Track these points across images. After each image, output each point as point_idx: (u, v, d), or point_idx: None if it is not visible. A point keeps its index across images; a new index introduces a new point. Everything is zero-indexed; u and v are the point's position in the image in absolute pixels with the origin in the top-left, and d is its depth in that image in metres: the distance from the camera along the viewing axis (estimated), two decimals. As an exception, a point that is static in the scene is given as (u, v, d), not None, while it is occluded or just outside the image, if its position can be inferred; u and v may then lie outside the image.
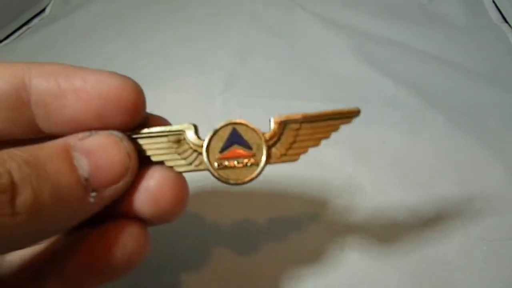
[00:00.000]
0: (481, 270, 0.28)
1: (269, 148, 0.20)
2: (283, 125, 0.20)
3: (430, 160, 0.35)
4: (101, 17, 0.59)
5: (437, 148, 0.36)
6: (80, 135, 0.17)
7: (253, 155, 0.19)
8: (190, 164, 0.19)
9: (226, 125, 0.19)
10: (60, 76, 0.18)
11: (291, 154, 0.20)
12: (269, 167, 0.20)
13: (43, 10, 0.64)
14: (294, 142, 0.20)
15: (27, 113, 0.18)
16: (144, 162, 0.19)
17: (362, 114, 0.42)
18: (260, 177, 0.20)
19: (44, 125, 0.19)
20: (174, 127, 0.19)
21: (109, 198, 0.17)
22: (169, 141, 0.19)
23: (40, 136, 0.19)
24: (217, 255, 0.29)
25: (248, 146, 0.19)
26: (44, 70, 0.18)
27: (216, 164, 0.19)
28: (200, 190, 0.30)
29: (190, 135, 0.19)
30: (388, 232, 0.30)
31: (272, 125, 0.20)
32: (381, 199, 0.32)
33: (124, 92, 0.18)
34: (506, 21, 0.51)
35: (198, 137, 0.19)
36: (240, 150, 0.19)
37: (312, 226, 0.31)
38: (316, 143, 0.20)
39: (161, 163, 0.19)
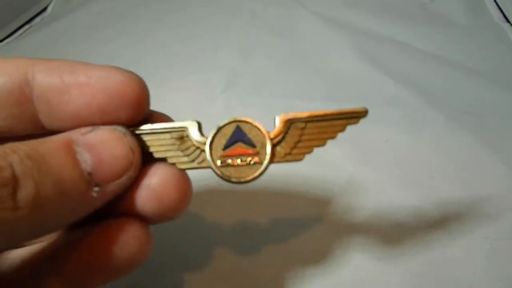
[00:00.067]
0: (485, 270, 0.27)
1: (273, 147, 0.19)
2: (288, 123, 0.19)
3: (431, 159, 0.35)
4: (102, 16, 0.59)
5: (438, 148, 0.36)
6: (83, 129, 0.17)
7: (257, 154, 0.19)
8: (193, 161, 0.19)
9: (230, 122, 0.19)
10: (64, 71, 0.18)
11: (296, 153, 0.19)
12: (272, 166, 0.19)
13: (45, 9, 0.64)
14: (299, 141, 0.19)
15: (29, 109, 0.18)
16: (146, 158, 0.19)
17: (363, 113, 0.42)
18: (263, 176, 0.19)
19: (46, 121, 0.18)
20: (177, 124, 0.19)
21: (112, 193, 0.17)
22: (172, 138, 0.19)
23: (42, 132, 0.19)
24: (218, 254, 0.29)
25: (252, 144, 0.19)
26: (48, 66, 0.18)
27: (219, 161, 0.19)
28: (202, 189, 0.30)
29: (193, 132, 0.19)
30: (391, 232, 0.30)
31: (278, 124, 0.19)
32: (383, 198, 0.32)
33: (129, 87, 0.18)
34: (508, 21, 0.51)
35: (202, 134, 0.19)
36: (244, 148, 0.19)
37: (315, 226, 0.31)
38: (321, 143, 0.20)
39: (163, 159, 0.19)
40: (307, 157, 0.20)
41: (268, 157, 0.19)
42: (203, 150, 0.19)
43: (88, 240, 0.18)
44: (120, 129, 0.18)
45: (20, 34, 0.59)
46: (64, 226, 0.19)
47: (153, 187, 0.18)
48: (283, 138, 0.19)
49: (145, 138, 0.19)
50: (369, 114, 0.42)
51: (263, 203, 0.32)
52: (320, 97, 0.42)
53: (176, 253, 0.29)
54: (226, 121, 0.19)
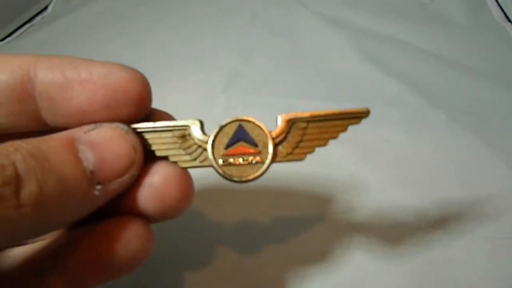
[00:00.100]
0: (485, 270, 0.27)
1: (275, 146, 0.19)
2: (290, 123, 0.19)
3: (432, 159, 0.35)
4: (102, 16, 0.59)
5: (439, 148, 0.36)
6: (86, 127, 0.17)
7: (259, 153, 0.19)
8: (195, 159, 0.19)
9: (233, 121, 0.19)
10: (67, 67, 0.18)
11: (298, 153, 0.19)
12: (273, 165, 0.19)
13: (45, 8, 0.64)
14: (301, 141, 0.19)
15: (32, 106, 0.18)
16: (148, 157, 0.19)
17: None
18: (264, 175, 0.19)
19: (49, 118, 0.18)
20: (179, 122, 0.19)
21: (114, 192, 0.17)
22: (174, 136, 0.19)
23: (45, 129, 0.19)
24: (220, 253, 0.29)
25: (254, 144, 0.19)
26: (50, 62, 0.18)
27: (220, 160, 0.19)
28: (204, 187, 0.30)
29: (195, 130, 0.19)
30: (391, 231, 0.30)
31: (280, 123, 0.19)
32: (384, 198, 0.32)
33: (131, 83, 0.18)
34: (509, 20, 0.51)
35: (204, 133, 0.19)
36: (246, 147, 0.19)
37: (316, 225, 0.31)
38: (323, 143, 0.20)
39: (165, 158, 0.19)
40: (309, 157, 0.20)
41: (270, 156, 0.19)
42: (205, 149, 0.19)
43: (90, 238, 0.18)
44: (122, 126, 0.18)
45: (21, 33, 0.59)
46: (66, 224, 0.19)
47: (155, 185, 0.18)
48: (285, 137, 0.19)
49: (147, 136, 0.19)
50: (371, 113, 0.42)
51: (265, 202, 0.32)
52: (321, 97, 0.42)
53: (177, 252, 0.29)
54: (228, 120, 0.19)
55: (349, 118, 0.19)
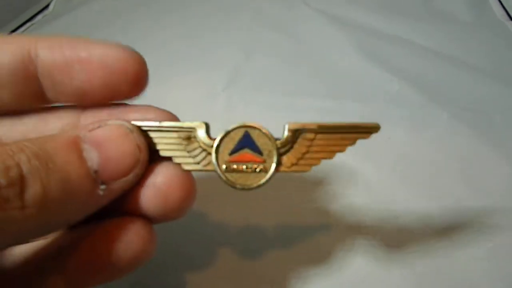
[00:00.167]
0: (486, 269, 0.27)
1: (280, 156, 0.19)
2: (297, 133, 0.19)
3: (434, 157, 0.35)
4: (103, 15, 0.59)
5: (441, 145, 0.36)
6: (90, 126, 0.17)
7: (263, 162, 0.19)
8: (198, 163, 0.19)
9: (239, 127, 0.19)
10: (66, 47, 0.18)
11: (303, 164, 0.19)
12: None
13: (47, 7, 0.64)
14: (307, 152, 0.19)
15: (35, 85, 0.18)
16: (153, 156, 0.19)
17: (366, 110, 0.42)
18: (267, 184, 0.19)
19: (52, 96, 0.19)
20: (185, 124, 0.19)
21: (118, 191, 0.17)
22: (179, 137, 0.19)
23: (48, 105, 0.19)
24: (222, 254, 0.29)
25: (259, 152, 0.19)
26: (50, 42, 0.18)
27: (224, 166, 0.19)
28: (207, 188, 0.30)
29: (201, 133, 0.19)
30: (392, 231, 0.30)
31: (286, 132, 0.19)
32: (386, 198, 0.32)
33: (128, 64, 0.18)
34: (511, 18, 0.51)
35: (209, 137, 0.19)
36: (251, 155, 0.19)
37: (318, 227, 0.31)
38: (329, 155, 0.19)
39: (169, 159, 0.19)
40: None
41: (274, 166, 0.19)
42: (209, 153, 0.19)
43: (91, 238, 0.18)
44: (127, 125, 0.18)
45: (22, 32, 0.60)
46: (71, 224, 0.19)
47: (158, 186, 0.18)
48: (291, 147, 0.19)
49: (152, 135, 0.19)
50: (373, 110, 0.42)
51: (267, 203, 0.32)
52: (323, 95, 0.42)
53: (179, 253, 0.29)
54: (234, 126, 0.19)
55: (358, 132, 0.19)
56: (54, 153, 0.15)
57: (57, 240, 0.19)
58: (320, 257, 0.29)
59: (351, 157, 0.35)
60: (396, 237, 0.29)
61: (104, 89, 0.18)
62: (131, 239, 0.18)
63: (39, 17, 0.62)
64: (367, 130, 0.19)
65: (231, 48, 0.49)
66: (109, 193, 0.17)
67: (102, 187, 0.16)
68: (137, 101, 0.20)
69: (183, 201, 0.18)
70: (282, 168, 0.19)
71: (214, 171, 0.19)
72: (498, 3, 0.53)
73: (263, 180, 0.19)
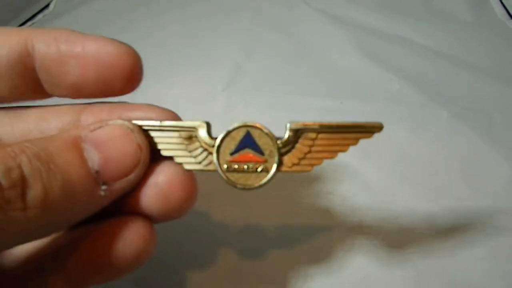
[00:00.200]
0: (487, 270, 0.27)
1: (281, 156, 0.19)
2: (299, 133, 0.19)
3: (434, 156, 0.35)
4: (103, 14, 0.59)
5: (441, 144, 0.36)
6: (92, 126, 0.17)
7: (265, 161, 0.19)
8: (200, 163, 0.19)
9: (240, 127, 0.19)
10: (61, 41, 0.18)
11: (304, 164, 0.19)
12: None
13: (47, 6, 0.64)
14: (309, 152, 0.19)
15: (32, 78, 0.18)
16: (154, 156, 0.19)
17: (366, 110, 0.42)
18: (268, 184, 0.19)
19: (49, 89, 0.19)
20: (186, 123, 0.19)
21: (119, 191, 0.17)
22: (180, 137, 0.19)
23: (47, 98, 0.19)
24: (223, 253, 0.29)
25: (260, 152, 0.19)
26: (47, 36, 0.18)
27: (225, 166, 0.19)
28: (209, 188, 0.30)
29: (202, 133, 0.19)
30: (393, 230, 0.30)
31: (287, 132, 0.19)
32: (386, 198, 0.32)
33: (122, 59, 0.18)
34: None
35: (210, 136, 0.19)
36: (252, 155, 0.19)
37: (319, 226, 0.31)
38: (331, 155, 0.19)
39: (170, 158, 0.19)
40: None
41: (275, 166, 0.19)
42: (211, 153, 0.19)
43: (92, 238, 0.18)
44: (128, 124, 0.18)
45: (22, 31, 0.59)
46: (73, 224, 0.19)
47: (160, 185, 0.18)
48: (293, 147, 0.19)
49: (153, 134, 0.19)
50: (373, 109, 0.42)
51: (268, 202, 0.32)
52: (322, 94, 0.42)
53: (181, 252, 0.29)
54: (235, 125, 0.19)
55: (361, 132, 0.19)
56: (55, 154, 0.15)
57: (57, 239, 0.19)
58: (321, 256, 0.29)
59: (351, 157, 0.35)
60: (396, 237, 0.29)
61: (98, 84, 0.18)
62: (131, 238, 0.18)
63: (40, 16, 0.62)
64: (370, 129, 0.19)
65: (231, 48, 0.49)
66: (110, 193, 0.17)
67: (103, 187, 0.16)
68: (138, 100, 0.20)
69: (184, 201, 0.18)
70: (283, 168, 0.19)
71: (215, 171, 0.19)
72: (498, 2, 0.53)
73: (264, 180, 0.19)
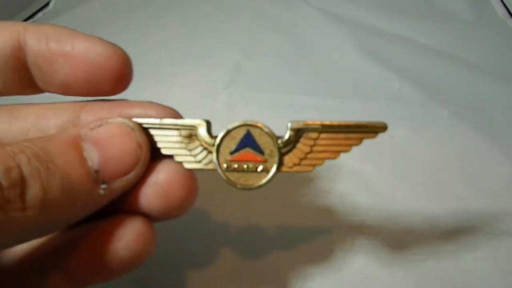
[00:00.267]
0: (487, 270, 0.27)
1: (281, 156, 0.18)
2: (299, 132, 0.18)
3: (435, 155, 0.35)
4: (104, 12, 0.59)
5: (442, 144, 0.36)
6: (92, 124, 0.17)
7: (265, 161, 0.18)
8: (199, 162, 0.19)
9: (241, 125, 0.18)
10: (51, 39, 0.18)
11: (305, 164, 0.19)
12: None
13: (47, 5, 0.64)
14: (310, 152, 0.18)
15: (26, 73, 0.19)
16: (154, 154, 0.18)
17: (366, 109, 0.42)
18: (269, 184, 0.19)
19: (41, 85, 0.19)
20: (186, 121, 0.19)
21: (119, 190, 0.17)
22: (180, 135, 0.19)
23: (40, 93, 0.19)
24: (223, 252, 0.29)
25: (260, 151, 0.18)
26: (38, 32, 0.18)
27: (225, 165, 0.19)
28: (209, 187, 0.30)
29: (202, 131, 0.18)
30: (393, 231, 0.30)
31: (288, 132, 0.18)
32: (386, 197, 0.32)
33: (110, 60, 0.18)
34: (512, 16, 0.51)
35: (210, 135, 0.19)
36: (252, 155, 0.18)
37: (320, 226, 0.31)
38: (333, 156, 0.18)
39: (170, 156, 0.19)
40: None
41: (275, 166, 0.18)
42: (210, 152, 0.19)
43: (91, 237, 0.18)
44: (128, 123, 0.18)
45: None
46: (72, 223, 0.19)
47: (160, 184, 0.18)
48: (294, 147, 0.18)
49: (153, 132, 0.19)
50: (373, 109, 0.42)
51: (268, 202, 0.32)
52: (323, 94, 0.42)
53: (181, 251, 0.29)
54: (236, 124, 0.18)
55: (364, 132, 0.18)
56: (54, 153, 0.15)
57: (57, 238, 0.19)
58: (321, 256, 0.29)
59: (351, 156, 0.34)
60: (396, 237, 0.29)
61: (87, 84, 0.18)
62: (131, 237, 0.18)
63: (39, 15, 0.62)
64: (374, 129, 0.18)
65: (232, 48, 0.49)
66: (110, 192, 0.17)
67: (103, 186, 0.16)
68: (138, 99, 0.20)
69: (184, 200, 0.18)
70: (284, 169, 0.19)
71: (215, 170, 0.19)
72: (499, 1, 0.53)
73: (264, 180, 0.19)
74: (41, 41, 0.18)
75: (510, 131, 0.36)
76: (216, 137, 0.19)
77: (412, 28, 0.50)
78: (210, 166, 0.19)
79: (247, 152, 0.19)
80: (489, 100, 0.40)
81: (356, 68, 0.45)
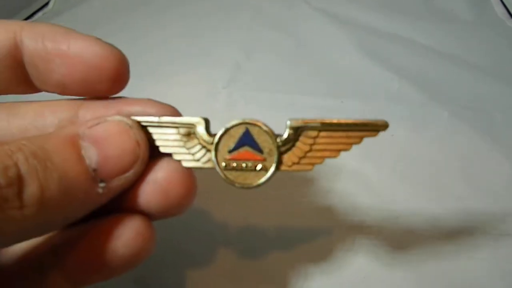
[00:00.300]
0: (487, 270, 0.27)
1: (280, 154, 0.18)
2: (299, 131, 0.18)
3: (435, 156, 0.35)
4: (103, 12, 0.59)
5: (442, 144, 0.36)
6: (90, 122, 0.17)
7: (264, 160, 0.18)
8: (198, 160, 0.19)
9: (239, 124, 0.18)
10: (47, 38, 0.18)
11: (305, 163, 0.18)
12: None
13: (46, 4, 0.64)
14: (310, 150, 0.18)
15: (22, 72, 0.19)
16: (153, 153, 0.18)
17: (366, 109, 0.42)
18: (267, 183, 0.19)
19: (37, 84, 0.19)
20: (185, 119, 0.18)
21: (118, 188, 0.17)
22: (179, 134, 0.19)
23: (37, 92, 0.19)
24: (223, 252, 0.29)
25: (259, 150, 0.18)
26: (34, 31, 0.18)
27: (223, 163, 0.18)
28: (209, 185, 0.30)
29: (200, 130, 0.18)
30: (393, 231, 0.30)
31: (287, 130, 0.18)
32: (386, 197, 0.32)
33: (106, 60, 0.18)
34: (512, 16, 0.51)
35: (209, 133, 0.18)
36: (251, 153, 0.18)
37: (319, 226, 0.31)
38: (334, 154, 0.18)
39: (169, 155, 0.19)
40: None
41: (274, 165, 0.18)
42: (209, 150, 0.18)
43: (90, 235, 0.18)
44: (126, 121, 0.18)
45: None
46: (71, 222, 0.19)
47: (159, 182, 0.18)
48: (293, 145, 0.18)
49: (151, 130, 0.18)
50: (372, 109, 0.42)
51: (268, 201, 0.31)
52: (323, 93, 0.42)
53: (180, 250, 0.29)
54: (234, 122, 0.18)
55: (364, 130, 0.18)
56: (52, 151, 0.15)
57: (56, 237, 0.19)
58: (321, 256, 0.29)
59: (351, 156, 0.34)
60: (396, 237, 0.29)
61: (84, 84, 0.18)
62: (129, 236, 0.18)
63: (39, 14, 0.62)
64: (375, 128, 0.18)
65: (232, 47, 0.49)
66: (108, 191, 0.17)
67: (101, 185, 0.16)
68: (138, 96, 0.20)
69: (183, 198, 0.18)
70: (283, 167, 0.18)
71: (214, 168, 0.19)
72: (499, 1, 0.53)
73: (263, 179, 0.18)
74: (37, 40, 0.18)
75: (510, 131, 0.36)
76: (214, 135, 0.18)
77: (412, 28, 0.50)
78: (209, 165, 0.19)
79: (246, 150, 0.18)
80: (489, 100, 0.40)
81: (356, 68, 0.45)
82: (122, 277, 0.18)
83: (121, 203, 0.18)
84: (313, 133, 0.18)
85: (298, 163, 0.18)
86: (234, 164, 0.18)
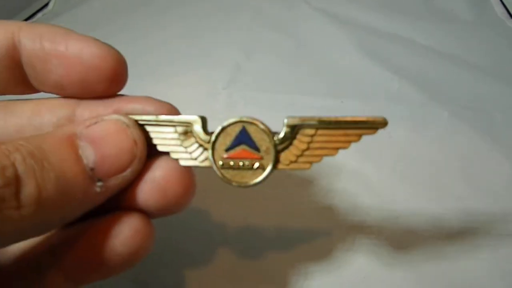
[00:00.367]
0: (487, 270, 0.27)
1: (278, 153, 0.18)
2: (296, 128, 0.18)
3: (435, 156, 0.35)
4: (103, 12, 0.59)
5: (442, 144, 0.36)
6: (87, 121, 0.17)
7: (261, 158, 0.18)
8: (195, 159, 0.19)
9: (236, 122, 0.18)
10: (45, 39, 0.18)
11: (302, 161, 0.18)
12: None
13: (46, 5, 0.64)
14: (307, 149, 0.18)
15: (20, 73, 0.19)
16: (151, 151, 0.18)
17: (366, 109, 0.42)
18: (265, 182, 0.19)
19: (35, 84, 0.19)
20: (182, 118, 0.18)
21: (115, 187, 0.17)
22: (176, 132, 0.18)
23: (35, 92, 0.19)
24: (221, 251, 0.29)
25: (256, 148, 0.18)
26: (32, 31, 0.18)
27: (220, 162, 0.18)
28: (208, 184, 0.30)
29: (197, 128, 0.18)
30: (392, 231, 0.30)
31: (284, 128, 0.18)
32: (386, 197, 0.32)
33: (104, 61, 0.18)
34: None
35: (206, 132, 0.18)
36: (247, 152, 0.18)
37: (319, 225, 0.30)
38: (331, 152, 0.18)
39: (166, 153, 0.19)
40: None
41: (271, 164, 0.18)
42: (206, 149, 0.18)
43: (88, 234, 0.18)
44: (124, 120, 0.18)
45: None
46: (69, 221, 0.19)
47: (157, 180, 0.18)
48: (290, 143, 0.18)
49: (149, 129, 0.18)
50: (372, 109, 0.42)
51: (267, 201, 0.31)
52: (323, 94, 0.42)
53: (179, 249, 0.29)
54: (231, 121, 0.18)
55: (363, 128, 0.18)
56: (49, 151, 0.15)
57: (54, 236, 0.19)
58: (321, 256, 0.29)
59: (351, 156, 0.35)
60: (396, 237, 0.29)
61: (82, 85, 0.18)
62: (128, 234, 0.18)
63: (39, 15, 0.62)
64: (373, 125, 0.17)
65: (232, 48, 0.49)
66: (106, 190, 0.17)
67: (99, 184, 0.16)
68: (137, 93, 0.20)
69: (182, 196, 0.18)
70: (280, 166, 0.18)
71: (211, 167, 0.19)
72: (498, 1, 0.53)
73: (260, 178, 0.18)
74: (35, 40, 0.18)
75: (510, 131, 0.36)
76: (211, 133, 0.18)
77: (412, 28, 0.50)
78: (206, 163, 0.19)
79: (243, 149, 0.18)
80: (489, 100, 0.39)
81: (356, 68, 0.45)
82: (121, 276, 0.18)
83: (119, 202, 0.18)
84: (311, 131, 0.18)
85: (295, 161, 0.18)
86: (231, 163, 0.18)
